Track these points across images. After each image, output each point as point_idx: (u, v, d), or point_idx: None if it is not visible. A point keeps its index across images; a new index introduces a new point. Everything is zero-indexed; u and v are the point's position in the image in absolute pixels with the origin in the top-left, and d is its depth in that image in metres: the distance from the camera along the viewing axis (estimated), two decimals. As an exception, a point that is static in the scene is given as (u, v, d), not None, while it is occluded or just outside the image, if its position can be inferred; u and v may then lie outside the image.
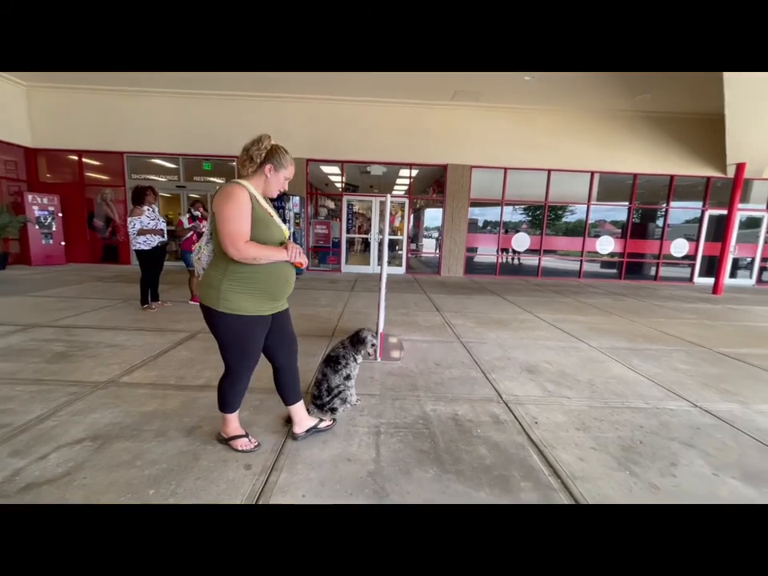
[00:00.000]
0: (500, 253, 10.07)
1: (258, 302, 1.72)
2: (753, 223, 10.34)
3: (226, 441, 1.95)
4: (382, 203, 9.64)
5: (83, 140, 9.20)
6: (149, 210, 4.80)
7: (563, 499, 1.68)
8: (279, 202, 8.69)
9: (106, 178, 9.71)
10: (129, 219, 4.71)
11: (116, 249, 9.87)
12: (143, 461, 1.80)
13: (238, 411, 1.95)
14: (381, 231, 9.65)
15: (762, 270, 10.53)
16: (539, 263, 10.14)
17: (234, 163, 9.36)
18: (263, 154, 1.67)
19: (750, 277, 10.55)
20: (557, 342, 4.11)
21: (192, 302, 5.43)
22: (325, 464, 1.85)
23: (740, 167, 8.35)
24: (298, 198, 9.03)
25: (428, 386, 2.84)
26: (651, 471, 1.92)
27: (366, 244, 10.99)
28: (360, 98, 8.96)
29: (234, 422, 1.95)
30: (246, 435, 1.97)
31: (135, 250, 4.83)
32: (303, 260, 1.78)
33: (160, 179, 9.64)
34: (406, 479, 1.77)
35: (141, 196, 4.74)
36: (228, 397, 1.88)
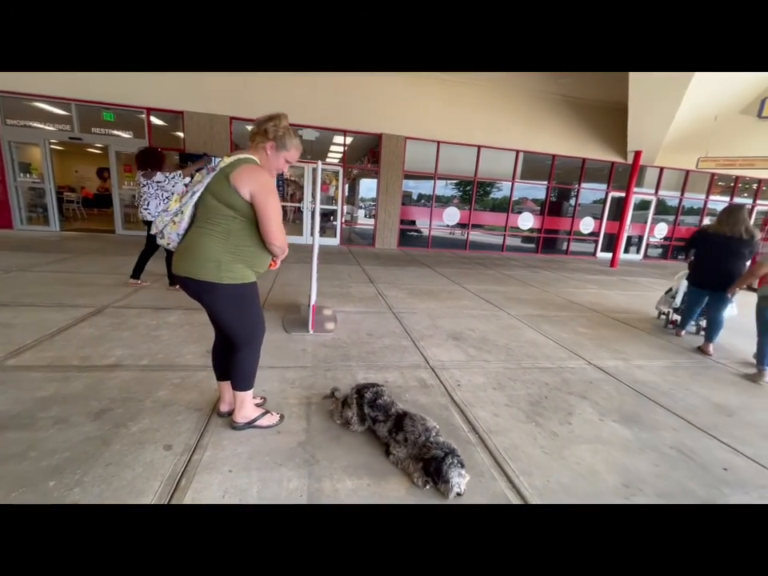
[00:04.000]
0: (431, 226, 10.36)
1: (252, 273, 1.72)
2: (644, 206, 11.88)
3: (251, 423, 1.86)
4: (316, 170, 9.23)
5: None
6: (165, 176, 4.14)
7: (480, 454, 1.86)
8: (195, 161, 7.89)
9: (-30, 121, 7.93)
10: (145, 182, 4.07)
11: (-8, 210, 8.26)
12: (39, 451, 1.60)
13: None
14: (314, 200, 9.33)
15: (648, 246, 12.26)
16: (467, 237, 10.66)
17: (143, 116, 8.24)
18: (274, 132, 1.65)
19: (638, 252, 12.23)
20: (480, 311, 4.42)
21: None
22: (254, 438, 1.82)
23: (637, 154, 9.45)
24: (220, 159, 8.26)
25: (360, 356, 2.90)
26: (552, 421, 2.20)
27: (300, 213, 10.55)
28: (290, 54, 8.28)
29: (252, 399, 1.90)
30: (267, 410, 1.94)
31: (146, 221, 4.20)
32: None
33: (47, 127, 8.13)
34: (336, 445, 1.81)
35: (159, 160, 4.12)
36: (252, 368, 1.82)
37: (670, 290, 4.47)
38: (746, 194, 12.62)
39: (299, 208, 10.36)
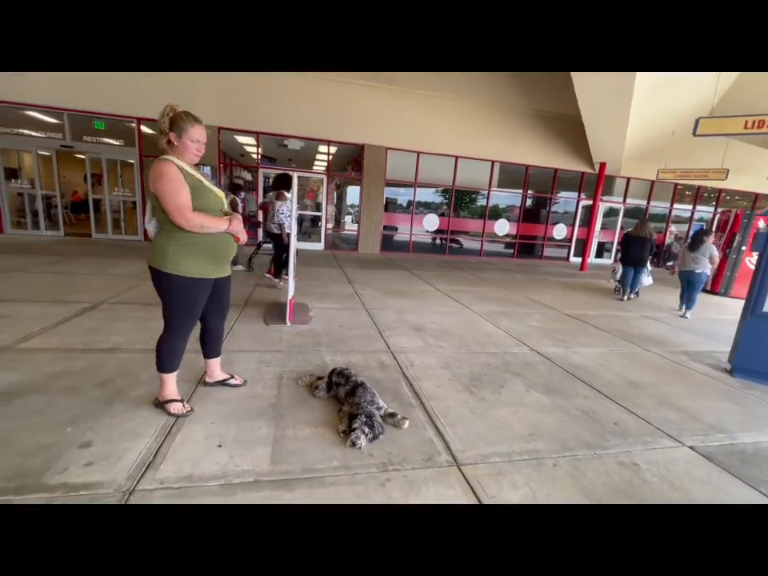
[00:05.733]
0: (411, 232, 10.85)
1: (202, 265, 1.89)
2: (614, 213, 12.58)
3: (162, 404, 2.02)
4: (301, 178, 9.64)
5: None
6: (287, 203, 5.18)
7: (418, 413, 2.28)
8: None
9: (-37, 128, 8.18)
10: (278, 204, 5.25)
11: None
12: (56, 408, 1.98)
13: (175, 374, 2.04)
14: (300, 206, 9.73)
15: (617, 251, 12.94)
16: (447, 242, 11.17)
17: (134, 125, 8.59)
18: (167, 123, 1.77)
19: (611, 257, 12.91)
20: (446, 308, 4.87)
21: (266, 275, 5.72)
22: (233, 400, 2.21)
23: (602, 165, 10.11)
24: (209, 167, 8.66)
25: (330, 343, 3.31)
26: (485, 391, 2.64)
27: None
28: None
29: (170, 385, 2.03)
30: (181, 400, 2.05)
31: (271, 233, 5.44)
32: (243, 236, 2.00)
33: (37, 135, 8.41)
34: (301, 407, 2.22)
35: (289, 185, 5.05)
36: (166, 355, 1.98)
37: (614, 270, 7.10)
38: (712, 203, 13.45)
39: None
